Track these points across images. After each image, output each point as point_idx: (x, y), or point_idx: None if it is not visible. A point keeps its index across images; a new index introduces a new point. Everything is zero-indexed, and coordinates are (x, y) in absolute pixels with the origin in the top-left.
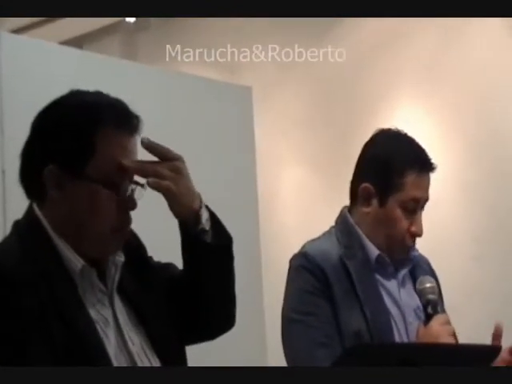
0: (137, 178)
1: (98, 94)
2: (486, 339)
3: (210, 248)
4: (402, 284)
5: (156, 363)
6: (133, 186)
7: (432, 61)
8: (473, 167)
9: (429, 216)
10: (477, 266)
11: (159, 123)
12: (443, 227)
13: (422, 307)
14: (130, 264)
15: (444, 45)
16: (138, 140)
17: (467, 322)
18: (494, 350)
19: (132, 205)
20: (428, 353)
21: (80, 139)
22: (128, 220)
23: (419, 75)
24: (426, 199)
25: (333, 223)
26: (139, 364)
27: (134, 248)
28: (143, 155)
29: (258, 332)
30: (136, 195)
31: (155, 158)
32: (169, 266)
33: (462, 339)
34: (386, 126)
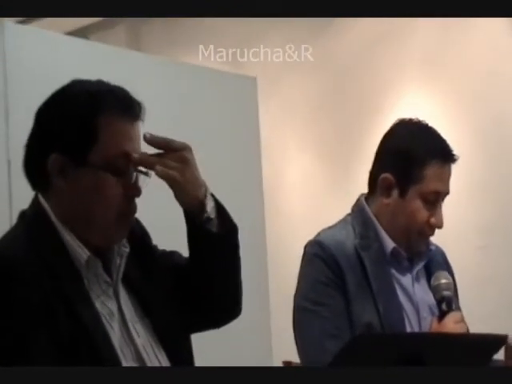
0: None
1: (100, 82)
2: (493, 329)
3: (215, 237)
4: (417, 279)
5: (161, 355)
6: (137, 174)
7: (437, 47)
8: (478, 156)
9: None
10: (483, 256)
11: (164, 113)
12: (449, 217)
13: (436, 303)
14: (134, 253)
15: (449, 30)
16: (140, 126)
17: (474, 311)
18: (500, 339)
19: (136, 191)
20: (434, 343)
21: (82, 126)
22: (133, 207)
23: (425, 63)
24: (447, 192)
25: (338, 212)
26: (144, 356)
27: (139, 237)
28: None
29: (262, 321)
30: (140, 183)
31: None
32: (173, 254)
33: (470, 330)
34: (390, 114)
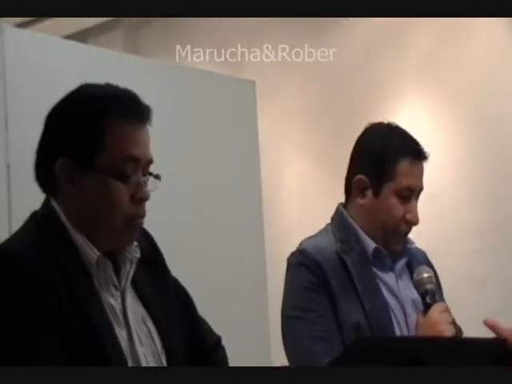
0: (151, 168)
1: (107, 86)
2: (490, 333)
3: None
4: (400, 276)
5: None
6: (145, 178)
7: (435, 53)
8: (475, 160)
9: (431, 209)
10: (479, 259)
11: (163, 117)
12: (446, 220)
13: (420, 299)
14: (146, 264)
15: (448, 32)
16: (148, 130)
17: (470, 315)
18: (498, 343)
19: (144, 195)
20: (431, 346)
21: (88, 132)
22: (141, 211)
23: (422, 69)
24: (421, 188)
25: None
26: (144, 365)
27: (151, 248)
28: (154, 145)
29: (261, 324)
30: (150, 187)
31: (162, 145)
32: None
33: (466, 333)
34: (389, 117)
